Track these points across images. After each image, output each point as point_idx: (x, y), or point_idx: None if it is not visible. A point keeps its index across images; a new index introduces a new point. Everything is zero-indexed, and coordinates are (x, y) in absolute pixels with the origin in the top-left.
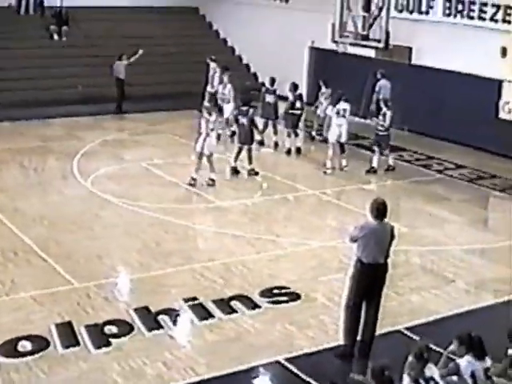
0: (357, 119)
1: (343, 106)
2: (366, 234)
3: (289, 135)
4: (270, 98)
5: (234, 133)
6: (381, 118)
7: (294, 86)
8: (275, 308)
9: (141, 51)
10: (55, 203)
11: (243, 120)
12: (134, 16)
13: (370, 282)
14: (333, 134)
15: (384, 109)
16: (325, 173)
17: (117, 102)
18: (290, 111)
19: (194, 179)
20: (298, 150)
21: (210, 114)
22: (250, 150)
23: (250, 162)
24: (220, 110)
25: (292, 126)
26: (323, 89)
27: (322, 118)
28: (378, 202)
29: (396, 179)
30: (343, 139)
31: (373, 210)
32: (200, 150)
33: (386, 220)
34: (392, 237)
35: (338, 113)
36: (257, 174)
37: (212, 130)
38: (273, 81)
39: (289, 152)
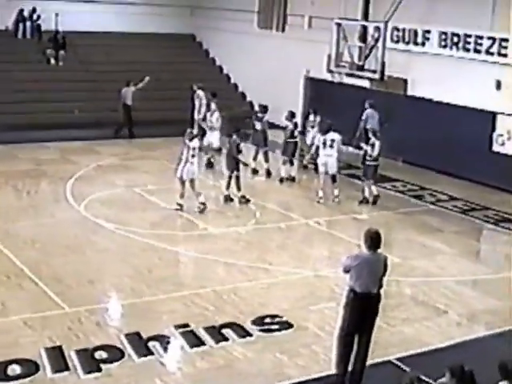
0: (351, 149)
1: (332, 136)
2: (359, 263)
3: (284, 163)
4: (258, 125)
5: (209, 161)
6: (369, 148)
7: (292, 115)
8: (266, 336)
9: (147, 78)
10: (48, 227)
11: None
12: (130, 42)
13: (362, 311)
14: (321, 165)
15: (372, 139)
16: (318, 202)
17: (123, 127)
18: (290, 140)
19: (179, 205)
20: (293, 179)
21: (190, 140)
22: (237, 178)
23: (239, 189)
24: (202, 136)
25: (290, 155)
26: (311, 117)
27: (309, 147)
28: (371, 232)
29: (389, 209)
30: (332, 170)
31: (367, 239)
32: (180, 175)
33: (379, 251)
34: (385, 267)
35: (324, 143)
36: (248, 201)
37: (193, 156)
38: (264, 108)
39: (282, 180)
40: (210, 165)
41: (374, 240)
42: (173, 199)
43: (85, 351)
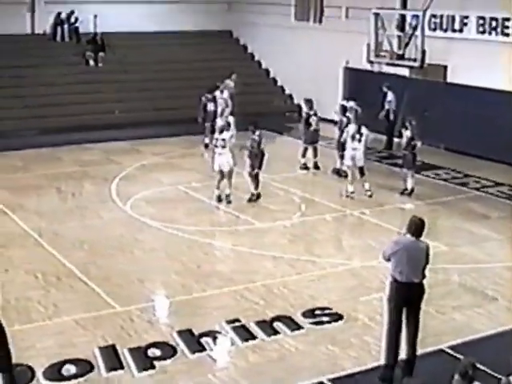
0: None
1: (361, 130)
2: (398, 250)
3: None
4: (313, 123)
5: None
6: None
7: (344, 109)
8: (317, 329)
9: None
10: (94, 227)
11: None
12: (168, 41)
13: (404, 301)
14: (347, 159)
15: (402, 129)
16: (347, 197)
17: None
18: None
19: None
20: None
21: (221, 133)
22: (257, 175)
23: (257, 187)
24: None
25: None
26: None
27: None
28: (416, 218)
29: (433, 198)
30: (360, 163)
31: (410, 226)
32: (218, 168)
33: (421, 239)
34: (427, 257)
35: (353, 137)
36: (258, 198)
37: (224, 147)
38: (310, 103)
39: (338, 173)
40: None
41: (417, 226)
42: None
43: (138, 349)
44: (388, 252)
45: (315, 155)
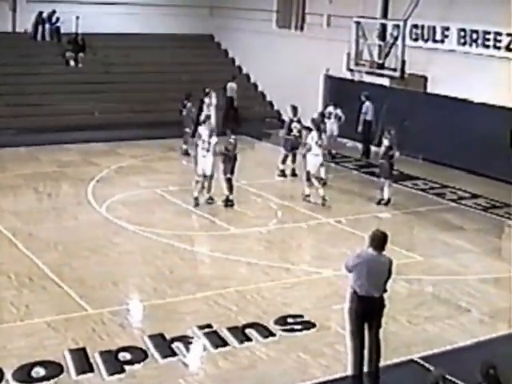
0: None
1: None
2: (359, 263)
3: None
4: (296, 129)
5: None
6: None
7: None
8: (290, 336)
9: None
10: (70, 229)
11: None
12: (149, 43)
13: (364, 313)
14: (310, 164)
15: (383, 138)
16: (308, 201)
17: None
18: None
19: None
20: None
21: (210, 137)
22: (230, 180)
23: (231, 192)
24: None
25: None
26: (330, 108)
27: (328, 138)
28: (378, 232)
29: (410, 208)
30: (320, 169)
31: (373, 239)
32: (202, 171)
33: (384, 253)
34: (390, 271)
35: (316, 142)
36: (232, 205)
37: (208, 151)
38: (295, 109)
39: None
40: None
41: (379, 240)
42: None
43: (108, 353)
44: (349, 264)
45: (293, 161)
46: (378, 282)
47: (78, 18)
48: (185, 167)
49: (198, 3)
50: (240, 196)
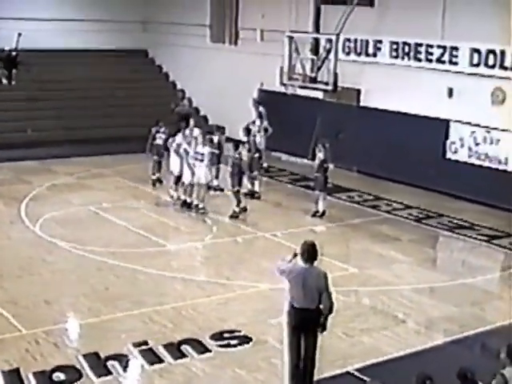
0: (305, 161)
1: (202, 150)
2: (293, 277)
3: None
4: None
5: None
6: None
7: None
8: (226, 352)
9: None
10: (2, 248)
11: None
12: (84, 59)
13: (300, 325)
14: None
15: (316, 150)
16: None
17: None
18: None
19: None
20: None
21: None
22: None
23: (238, 204)
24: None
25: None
26: (257, 122)
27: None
28: (307, 244)
29: (345, 220)
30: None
31: (303, 252)
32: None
33: (315, 264)
34: (326, 283)
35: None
36: (237, 217)
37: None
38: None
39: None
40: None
41: (309, 253)
42: (129, 217)
43: (42, 373)
44: (282, 269)
45: (216, 176)
46: (312, 295)
47: (20, 34)
48: (119, 184)
49: (132, 18)
50: (174, 211)
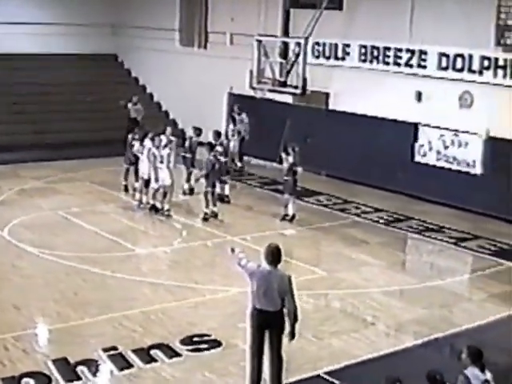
0: (274, 165)
1: (162, 152)
2: (256, 279)
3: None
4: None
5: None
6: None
7: (218, 134)
8: (195, 356)
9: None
10: None
11: None
12: (52, 63)
13: (262, 327)
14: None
15: (283, 154)
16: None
17: None
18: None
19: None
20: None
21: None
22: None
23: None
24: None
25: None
26: (230, 126)
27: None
28: (272, 247)
29: (314, 223)
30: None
31: (267, 255)
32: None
33: (279, 267)
34: (290, 287)
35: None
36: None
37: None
38: (199, 130)
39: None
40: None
41: (274, 255)
42: (98, 221)
43: (11, 379)
44: (242, 269)
45: (188, 180)
46: (274, 297)
47: None
48: (88, 188)
49: (100, 22)
50: (144, 216)
